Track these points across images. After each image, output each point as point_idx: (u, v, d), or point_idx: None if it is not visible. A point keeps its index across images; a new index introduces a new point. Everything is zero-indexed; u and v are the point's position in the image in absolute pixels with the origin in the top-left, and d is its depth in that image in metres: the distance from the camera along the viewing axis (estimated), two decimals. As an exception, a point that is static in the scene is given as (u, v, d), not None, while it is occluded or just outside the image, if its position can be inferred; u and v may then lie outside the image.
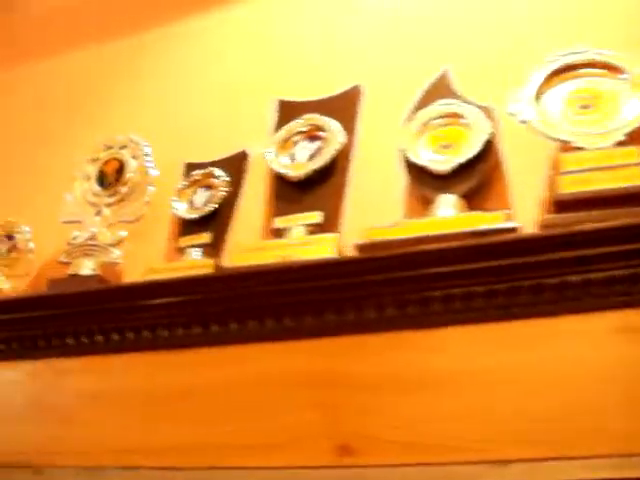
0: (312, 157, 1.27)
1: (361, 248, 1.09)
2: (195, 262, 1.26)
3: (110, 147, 1.46)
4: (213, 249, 1.29)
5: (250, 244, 1.22)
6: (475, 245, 1.00)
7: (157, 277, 1.23)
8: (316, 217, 1.20)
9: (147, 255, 1.39)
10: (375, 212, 1.23)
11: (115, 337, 1.22)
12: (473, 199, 1.16)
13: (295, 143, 1.30)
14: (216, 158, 1.41)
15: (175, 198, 1.38)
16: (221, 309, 1.15)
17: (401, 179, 1.26)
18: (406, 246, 1.06)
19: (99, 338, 1.23)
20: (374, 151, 1.30)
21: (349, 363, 1.07)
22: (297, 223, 1.20)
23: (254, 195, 1.36)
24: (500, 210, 1.09)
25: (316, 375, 1.08)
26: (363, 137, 1.30)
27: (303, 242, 1.16)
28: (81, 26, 1.72)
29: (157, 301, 1.19)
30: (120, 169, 1.43)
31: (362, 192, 1.27)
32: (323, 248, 1.13)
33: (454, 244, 1.01)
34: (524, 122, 1.14)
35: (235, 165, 1.37)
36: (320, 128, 1.29)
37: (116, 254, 1.36)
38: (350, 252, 1.14)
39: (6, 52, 1.82)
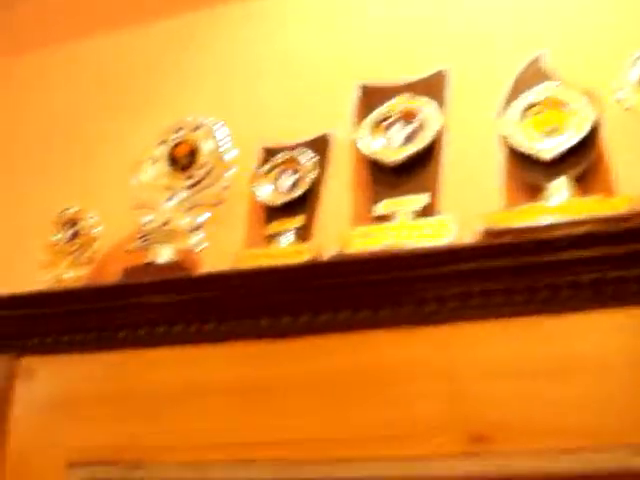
0: (408, 140, 1.25)
1: (488, 233, 1.07)
2: (289, 249, 1.22)
3: (180, 129, 1.39)
4: (304, 235, 1.25)
5: (356, 230, 1.18)
6: (613, 231, 0.99)
7: (253, 264, 1.19)
8: (423, 201, 1.17)
9: (223, 241, 1.34)
10: (471, 196, 1.23)
11: (211, 326, 1.17)
12: (579, 185, 1.16)
13: (388, 127, 1.27)
14: (290, 141, 1.37)
15: (257, 183, 1.33)
16: (332, 296, 1.11)
17: (493, 162, 1.25)
18: (532, 232, 1.05)
19: (193, 328, 1.18)
20: (463, 134, 1.28)
21: (474, 351, 1.05)
22: (403, 208, 1.17)
23: (339, 179, 1.33)
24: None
25: (439, 363, 1.06)
26: (451, 121, 1.28)
27: (416, 227, 1.13)
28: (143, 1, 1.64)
29: (259, 288, 1.14)
30: (192, 152, 1.37)
31: (454, 176, 1.25)
32: (439, 233, 1.11)
33: (597, 228, 1.00)
34: (629, 109, 1.14)
35: (319, 148, 1.33)
36: (413, 111, 1.27)
37: (195, 240, 1.30)
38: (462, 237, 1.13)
39: (66, 28, 1.72)
